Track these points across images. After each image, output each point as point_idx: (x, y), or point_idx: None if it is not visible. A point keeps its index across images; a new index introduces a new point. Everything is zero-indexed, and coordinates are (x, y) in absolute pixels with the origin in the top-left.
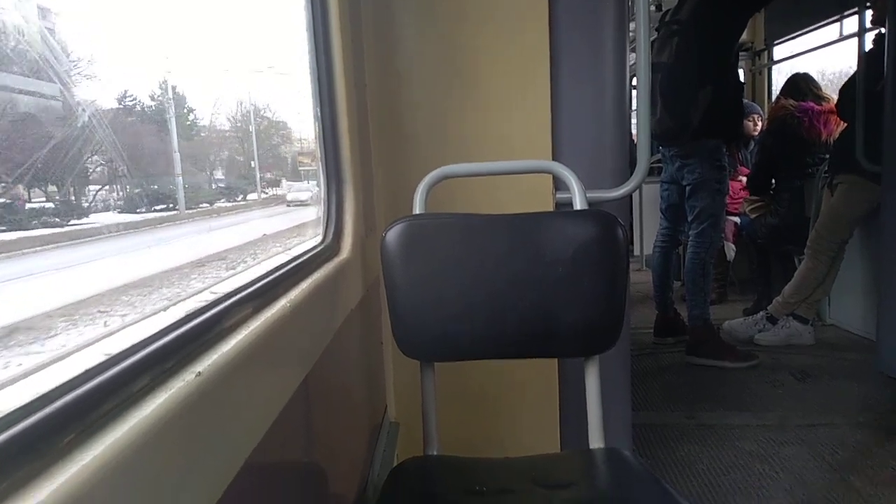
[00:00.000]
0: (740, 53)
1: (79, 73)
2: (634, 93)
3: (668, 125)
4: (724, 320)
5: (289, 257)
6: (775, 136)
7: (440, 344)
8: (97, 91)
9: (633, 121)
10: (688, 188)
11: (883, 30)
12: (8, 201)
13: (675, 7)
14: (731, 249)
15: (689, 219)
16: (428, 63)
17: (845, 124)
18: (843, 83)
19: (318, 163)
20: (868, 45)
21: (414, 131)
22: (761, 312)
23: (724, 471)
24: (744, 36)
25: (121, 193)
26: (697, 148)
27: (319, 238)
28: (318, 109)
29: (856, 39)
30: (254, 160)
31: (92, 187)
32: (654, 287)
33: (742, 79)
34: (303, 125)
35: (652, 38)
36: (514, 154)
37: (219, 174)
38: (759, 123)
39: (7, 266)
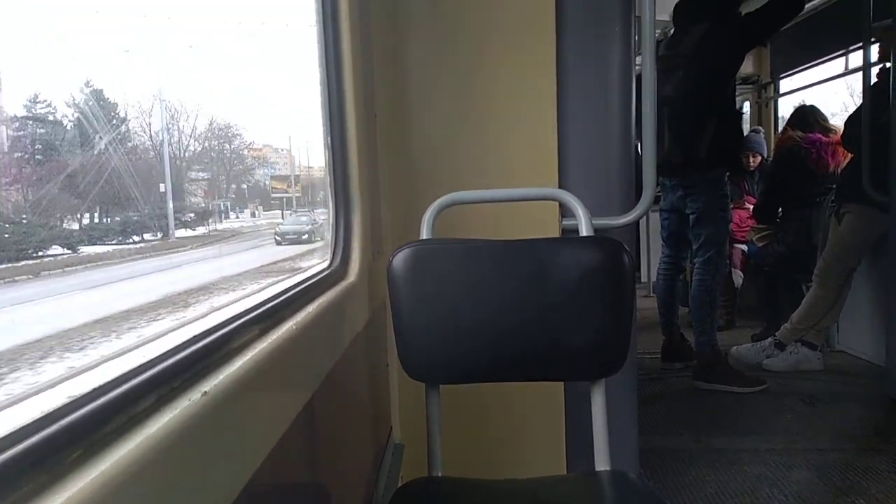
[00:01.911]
0: (741, 86)
1: None
2: None
3: (677, 158)
4: (732, 346)
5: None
6: (782, 166)
7: (445, 367)
8: None
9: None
10: (692, 217)
11: (888, 64)
12: None
13: (669, 40)
14: (738, 276)
15: (695, 247)
16: (437, 91)
17: (851, 155)
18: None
19: (328, 188)
20: (873, 79)
21: (423, 158)
22: (769, 339)
23: (732, 495)
24: (750, 69)
25: None
26: (702, 177)
27: (327, 262)
28: (329, 136)
29: (861, 73)
30: (164, 182)
31: None
32: (660, 313)
33: (746, 109)
34: (282, 144)
35: None
36: (521, 181)
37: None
38: (757, 159)
39: None
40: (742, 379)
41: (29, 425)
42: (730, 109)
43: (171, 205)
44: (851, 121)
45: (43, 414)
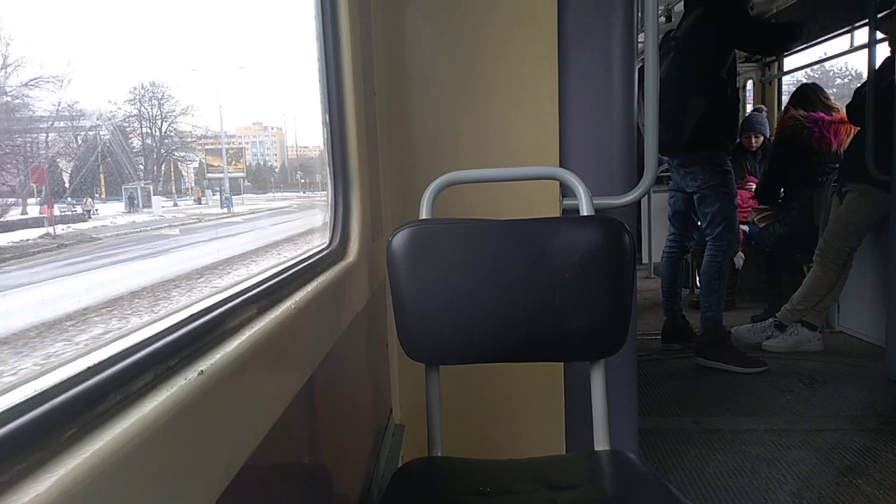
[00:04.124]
0: (745, 64)
1: None
2: None
3: (663, 137)
4: (733, 327)
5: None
6: (785, 146)
7: (445, 348)
8: None
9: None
10: (695, 196)
11: None
12: None
13: (679, 23)
14: (739, 258)
15: (703, 225)
16: (437, 70)
17: (857, 129)
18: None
19: (327, 167)
20: (878, 56)
21: (422, 137)
22: (769, 319)
23: (731, 475)
24: None
25: None
26: (696, 156)
27: (326, 242)
28: (327, 115)
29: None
30: None
31: None
32: (663, 294)
33: (749, 88)
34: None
35: None
36: (521, 160)
37: None
38: (760, 139)
39: None
40: (743, 359)
41: (23, 403)
42: (720, 92)
43: None
44: (860, 92)
45: (37, 392)
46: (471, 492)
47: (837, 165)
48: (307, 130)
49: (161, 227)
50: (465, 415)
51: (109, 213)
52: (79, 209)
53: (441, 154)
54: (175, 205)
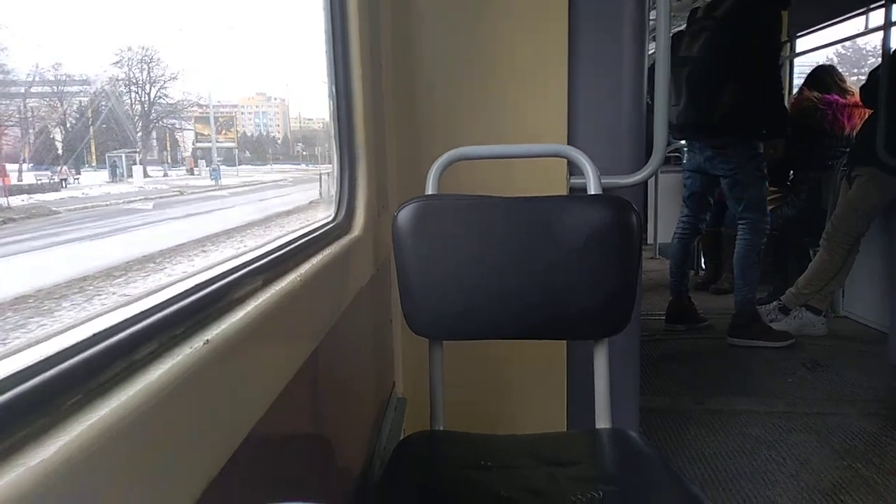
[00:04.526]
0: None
1: None
2: None
3: (691, 118)
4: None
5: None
6: (797, 127)
7: (449, 323)
8: None
9: None
10: (726, 180)
11: None
12: None
13: (709, 4)
14: None
15: (739, 209)
16: (446, 45)
17: (869, 112)
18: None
19: (332, 140)
20: (893, 39)
21: (430, 112)
22: (774, 302)
23: (731, 456)
24: None
25: None
26: (729, 139)
27: (332, 215)
28: (334, 87)
29: (881, 33)
30: None
31: None
32: (672, 274)
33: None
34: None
35: (677, 30)
36: (529, 138)
37: None
38: None
39: None
40: (773, 335)
41: (28, 368)
42: (757, 77)
43: None
44: (874, 74)
45: (42, 358)
46: (471, 466)
47: (848, 149)
48: (311, 102)
49: (133, 201)
50: (467, 390)
51: (93, 182)
52: (55, 178)
53: (448, 129)
54: (165, 174)
